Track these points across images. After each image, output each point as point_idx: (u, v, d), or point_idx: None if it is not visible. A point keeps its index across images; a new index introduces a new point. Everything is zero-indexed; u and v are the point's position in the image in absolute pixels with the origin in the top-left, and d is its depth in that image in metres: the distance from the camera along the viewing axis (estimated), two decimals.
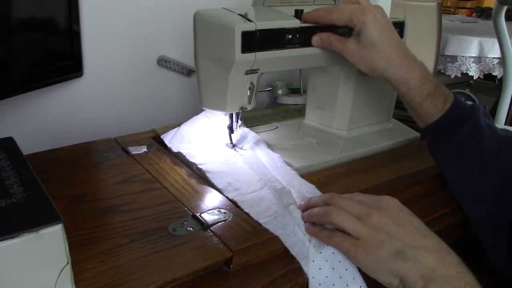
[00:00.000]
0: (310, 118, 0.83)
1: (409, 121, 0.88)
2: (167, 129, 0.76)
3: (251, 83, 0.65)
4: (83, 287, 0.42)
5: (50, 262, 0.38)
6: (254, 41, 0.59)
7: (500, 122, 1.30)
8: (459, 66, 2.33)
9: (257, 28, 0.59)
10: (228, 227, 0.51)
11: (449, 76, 2.34)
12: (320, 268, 0.47)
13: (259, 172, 0.63)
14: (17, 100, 0.75)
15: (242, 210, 0.55)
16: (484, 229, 0.59)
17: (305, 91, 0.92)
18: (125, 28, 0.85)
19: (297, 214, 0.53)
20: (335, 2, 0.73)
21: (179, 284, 0.44)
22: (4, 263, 0.35)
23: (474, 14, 3.32)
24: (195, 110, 0.76)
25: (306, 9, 0.65)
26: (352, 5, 0.62)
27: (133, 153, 0.70)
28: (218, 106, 0.66)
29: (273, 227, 0.51)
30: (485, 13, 3.15)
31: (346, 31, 0.65)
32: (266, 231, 0.51)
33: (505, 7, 1.23)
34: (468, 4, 4.69)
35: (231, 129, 0.70)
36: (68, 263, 0.39)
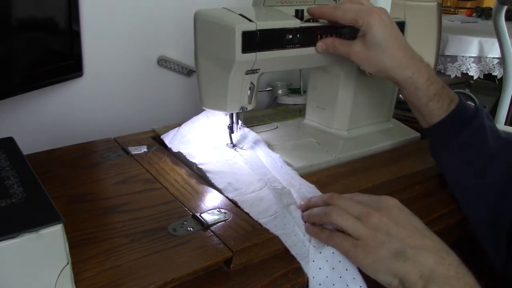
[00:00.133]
0: (310, 118, 0.83)
1: (409, 121, 0.88)
2: (167, 129, 0.76)
3: (251, 83, 0.65)
4: (83, 287, 0.42)
5: (50, 262, 0.38)
6: (254, 41, 0.59)
7: (500, 122, 1.30)
8: (459, 66, 2.33)
9: (258, 28, 0.59)
10: (228, 227, 0.51)
11: (449, 76, 2.34)
12: (320, 268, 0.47)
13: (259, 172, 0.63)
14: (17, 100, 0.75)
15: (242, 210, 0.55)
16: (484, 230, 0.59)
17: (305, 91, 0.92)
18: (125, 28, 0.85)
19: (297, 214, 0.53)
20: (336, 2, 0.73)
21: (179, 284, 0.44)
22: (4, 263, 0.35)
23: (474, 14, 3.32)
24: (195, 110, 0.76)
25: (306, 9, 0.65)
26: (357, 5, 0.62)
27: (133, 153, 0.70)
28: (218, 106, 0.66)
29: (273, 227, 0.51)
30: (485, 13, 3.15)
31: (347, 31, 0.65)
32: (266, 231, 0.51)
33: (505, 7, 1.23)
34: (468, 4, 4.69)
35: (231, 129, 0.70)
36: (68, 263, 0.39)
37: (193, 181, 0.62)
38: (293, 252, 0.49)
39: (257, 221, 0.52)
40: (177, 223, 0.52)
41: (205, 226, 0.51)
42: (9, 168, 0.45)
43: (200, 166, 0.64)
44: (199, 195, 0.59)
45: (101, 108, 0.87)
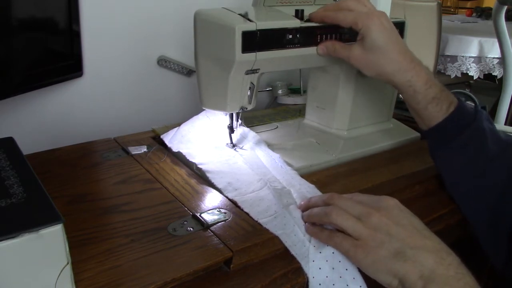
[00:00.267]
0: (310, 118, 0.83)
1: (409, 121, 0.88)
2: (167, 129, 0.76)
3: (251, 83, 0.65)
4: (83, 287, 0.42)
5: (50, 262, 0.38)
6: (254, 41, 0.59)
7: (500, 122, 1.30)
8: (459, 66, 2.33)
9: (258, 28, 0.59)
10: (228, 227, 0.51)
11: (449, 76, 2.34)
12: (320, 268, 0.47)
13: (259, 172, 0.64)
14: (17, 100, 0.75)
15: (242, 210, 0.55)
16: (484, 231, 0.59)
17: (305, 91, 0.92)
18: (125, 28, 0.85)
19: (297, 214, 0.53)
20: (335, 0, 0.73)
21: (179, 284, 0.44)
22: (4, 263, 0.35)
23: (474, 14, 3.32)
24: (195, 110, 0.76)
25: (306, 9, 0.65)
26: (357, 6, 0.62)
27: (133, 153, 0.70)
28: (218, 106, 0.66)
29: (273, 227, 0.51)
30: (485, 13, 3.14)
31: (347, 31, 0.65)
32: (266, 231, 0.51)
33: (505, 7, 1.23)
34: (468, 4, 4.69)
35: (231, 129, 0.70)
36: (68, 263, 0.39)
37: (193, 181, 0.62)
38: (293, 252, 0.49)
39: (257, 221, 0.52)
40: (177, 223, 0.52)
41: (205, 226, 0.51)
42: (9, 168, 0.45)
43: (200, 166, 0.64)
44: (199, 195, 0.59)
45: (101, 108, 0.87)
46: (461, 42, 2.31)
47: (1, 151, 0.49)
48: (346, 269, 0.47)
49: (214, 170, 0.63)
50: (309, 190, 0.59)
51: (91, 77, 0.83)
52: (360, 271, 0.47)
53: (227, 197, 0.58)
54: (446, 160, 0.63)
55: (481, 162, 0.60)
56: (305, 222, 0.52)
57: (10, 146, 0.50)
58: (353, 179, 0.65)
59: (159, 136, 0.75)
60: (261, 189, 0.59)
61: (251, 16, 0.60)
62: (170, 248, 0.47)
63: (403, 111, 0.93)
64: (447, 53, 2.34)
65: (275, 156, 0.67)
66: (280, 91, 1.02)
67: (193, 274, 0.45)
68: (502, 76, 1.51)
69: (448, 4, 4.80)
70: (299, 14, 0.64)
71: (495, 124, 0.65)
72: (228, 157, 0.68)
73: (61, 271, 0.38)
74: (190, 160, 0.66)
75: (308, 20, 0.65)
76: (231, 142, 0.71)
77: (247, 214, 0.54)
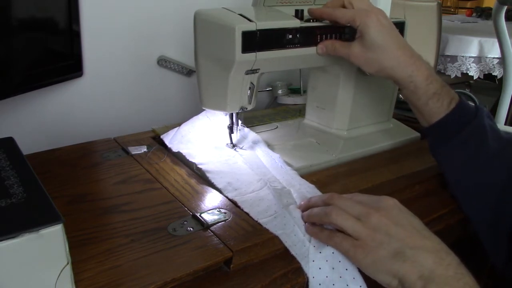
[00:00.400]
0: (310, 118, 0.83)
1: (409, 121, 0.88)
2: (167, 129, 0.76)
3: (251, 83, 0.65)
4: (83, 287, 0.42)
5: (50, 262, 0.38)
6: (254, 41, 0.59)
7: (500, 122, 1.30)
8: (459, 66, 2.33)
9: (258, 28, 0.59)
10: (228, 227, 0.51)
11: (449, 76, 2.34)
12: (320, 268, 0.47)
13: (259, 172, 0.64)
14: (17, 100, 0.75)
15: (242, 210, 0.55)
16: (484, 230, 0.59)
17: (305, 91, 0.92)
18: (125, 28, 0.85)
19: (297, 214, 0.53)
20: None
21: (179, 284, 0.44)
22: (4, 263, 0.35)
23: (474, 14, 3.32)
24: (195, 110, 0.76)
25: (306, 9, 0.65)
26: (356, 4, 0.63)
27: (133, 153, 0.70)
28: (218, 106, 0.66)
29: (273, 227, 0.51)
30: (485, 13, 3.14)
31: (347, 31, 0.65)
32: (266, 231, 0.51)
33: (505, 7, 1.23)
34: (468, 4, 4.69)
35: (231, 129, 0.70)
36: (68, 263, 0.39)
37: (193, 181, 0.62)
38: (293, 252, 0.49)
39: (257, 221, 0.52)
40: (177, 223, 0.52)
41: (205, 226, 0.51)
42: (9, 168, 0.45)
43: (199, 166, 0.64)
44: (199, 195, 0.59)
45: (101, 108, 0.87)
46: (461, 42, 2.31)
47: (1, 151, 0.49)
48: (346, 269, 0.47)
49: (214, 170, 0.63)
50: (309, 190, 0.59)
51: (91, 77, 0.83)
52: (360, 271, 0.47)
53: (227, 197, 0.58)
54: (447, 158, 0.63)
55: (481, 160, 0.60)
56: (305, 222, 0.52)
57: (10, 146, 0.51)
58: (353, 179, 0.65)
59: (159, 136, 0.75)
60: (261, 189, 0.59)
61: (251, 16, 0.60)
62: (170, 248, 0.47)
63: (403, 111, 0.93)
64: (447, 53, 2.34)
65: (275, 156, 0.67)
66: (280, 91, 1.02)
67: (193, 274, 0.45)
68: (502, 76, 1.51)
69: (448, 4, 4.80)
70: (299, 14, 0.64)
71: None
72: (228, 157, 0.68)
73: (61, 271, 0.38)
74: (190, 160, 0.66)
75: (308, 20, 0.65)
76: (231, 142, 0.71)
77: (247, 214, 0.54)
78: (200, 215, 0.53)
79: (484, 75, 2.32)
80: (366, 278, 0.47)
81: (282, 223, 0.52)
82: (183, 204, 0.56)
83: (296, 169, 0.65)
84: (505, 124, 1.32)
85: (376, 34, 0.60)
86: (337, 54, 0.65)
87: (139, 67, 0.89)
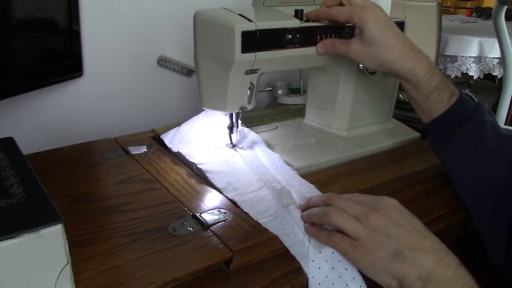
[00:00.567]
0: (310, 118, 0.83)
1: (409, 121, 0.88)
2: (167, 129, 0.76)
3: (251, 83, 0.65)
4: (83, 287, 0.42)
5: (50, 262, 0.38)
6: (254, 41, 0.59)
7: (500, 122, 1.30)
8: (459, 66, 2.33)
9: (257, 28, 0.59)
10: (228, 227, 0.51)
11: (449, 76, 2.34)
12: (319, 268, 0.47)
13: (258, 172, 0.64)
14: (17, 100, 0.75)
15: (242, 210, 0.55)
16: (485, 227, 0.59)
17: (305, 91, 0.92)
18: (125, 28, 0.85)
19: (297, 214, 0.53)
20: None
21: (179, 284, 0.44)
22: (4, 263, 0.35)
23: (474, 14, 3.32)
24: (195, 110, 0.76)
25: (306, 9, 0.65)
26: (352, 0, 0.63)
27: (133, 153, 0.70)
28: (218, 106, 0.66)
29: (273, 227, 0.51)
30: (485, 13, 3.14)
31: (347, 30, 0.65)
32: (266, 231, 0.51)
33: (505, 7, 1.23)
34: (468, 4, 4.69)
35: (231, 129, 0.70)
36: (68, 263, 0.39)
37: (193, 181, 0.62)
38: (292, 252, 0.49)
39: (257, 221, 0.52)
40: (177, 223, 0.52)
41: (205, 226, 0.51)
42: (9, 168, 0.45)
43: (199, 166, 0.64)
44: (199, 195, 0.59)
45: (101, 108, 0.87)
46: (461, 42, 2.30)
47: (1, 151, 0.49)
48: (346, 269, 0.47)
49: (214, 170, 0.63)
50: (309, 190, 0.59)
51: (91, 77, 0.83)
52: (359, 271, 0.47)
53: (227, 197, 0.58)
54: (448, 155, 0.63)
55: (482, 157, 0.60)
56: (304, 222, 0.52)
57: (10, 146, 0.51)
58: (353, 179, 0.65)
59: (159, 136, 0.75)
60: (260, 189, 0.59)
61: (250, 16, 0.60)
62: (170, 248, 0.47)
63: (403, 111, 0.93)
64: (447, 53, 2.34)
65: (275, 156, 0.67)
66: (280, 91, 1.02)
67: (193, 274, 0.45)
68: (502, 76, 1.51)
69: (448, 4, 4.79)
70: (298, 14, 0.64)
71: None
72: (227, 157, 0.68)
73: (61, 271, 0.38)
74: (190, 160, 0.66)
75: (308, 20, 0.65)
76: (231, 142, 0.71)
77: (247, 214, 0.54)
78: (200, 215, 0.53)
79: (484, 75, 2.32)
80: (366, 278, 0.47)
81: (282, 223, 0.52)
82: (183, 204, 0.56)
83: (296, 169, 0.65)
84: (505, 124, 1.32)
85: (374, 29, 0.60)
86: (337, 52, 0.65)
87: (139, 67, 0.89)
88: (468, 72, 2.32)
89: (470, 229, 0.63)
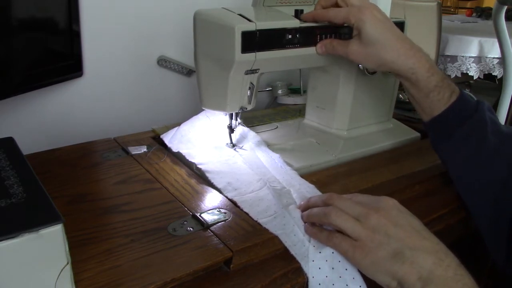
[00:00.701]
0: (310, 118, 0.83)
1: (409, 121, 0.88)
2: (167, 129, 0.76)
3: (251, 83, 0.65)
4: (83, 287, 0.42)
5: (50, 262, 0.38)
6: (254, 41, 0.59)
7: (500, 122, 1.30)
8: (459, 66, 2.32)
9: (257, 28, 0.59)
10: (228, 227, 0.51)
11: (449, 76, 2.34)
12: (319, 268, 0.47)
13: (258, 172, 0.64)
14: (17, 100, 0.75)
15: (242, 210, 0.55)
16: (486, 225, 0.59)
17: (305, 91, 0.92)
18: (125, 28, 0.85)
19: (297, 214, 0.53)
20: None
21: (179, 284, 0.44)
22: (4, 263, 0.35)
23: (474, 14, 3.31)
24: (195, 110, 0.76)
25: (306, 9, 0.65)
26: (349, 1, 0.63)
27: (133, 153, 0.70)
28: (218, 106, 0.66)
29: (273, 227, 0.51)
30: (485, 13, 3.14)
31: (346, 31, 0.65)
32: (266, 231, 0.51)
33: (505, 7, 1.23)
34: (468, 4, 4.69)
35: (231, 129, 0.70)
36: (68, 263, 0.39)
37: (193, 181, 0.62)
38: (292, 252, 0.49)
39: (257, 221, 0.52)
40: (177, 223, 0.52)
41: (205, 226, 0.51)
42: (9, 168, 0.45)
43: (199, 166, 0.64)
44: (199, 195, 0.59)
45: (101, 108, 0.87)
46: (461, 42, 2.30)
47: (1, 151, 0.49)
48: (346, 269, 0.47)
49: (214, 170, 0.63)
50: (309, 190, 0.59)
51: (91, 77, 0.83)
52: (359, 271, 0.47)
53: (227, 197, 0.58)
54: (449, 154, 0.63)
55: (483, 156, 0.59)
56: (304, 222, 0.52)
57: (10, 146, 0.51)
58: (353, 179, 0.65)
59: (159, 136, 0.75)
60: (260, 189, 0.59)
61: (250, 16, 0.60)
62: (170, 248, 0.47)
63: (403, 111, 0.93)
64: (447, 53, 2.34)
65: (275, 156, 0.67)
66: (280, 91, 1.02)
67: (193, 274, 0.45)
68: (502, 76, 1.51)
69: (448, 4, 4.79)
70: (298, 14, 0.64)
71: None
72: (227, 157, 0.68)
73: (61, 271, 0.38)
74: (190, 160, 0.66)
75: (307, 22, 0.65)
76: (231, 142, 0.71)
77: (247, 214, 0.54)
78: (200, 215, 0.53)
79: (484, 75, 2.32)
80: (366, 278, 0.47)
81: (282, 223, 0.52)
82: (183, 204, 0.56)
83: (296, 169, 0.65)
84: (505, 124, 1.32)
85: (372, 29, 0.60)
86: (336, 53, 0.65)
87: (139, 67, 0.89)
88: (468, 72, 2.32)
89: (470, 228, 0.63)
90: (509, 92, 1.29)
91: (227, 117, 0.70)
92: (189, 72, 0.94)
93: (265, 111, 0.94)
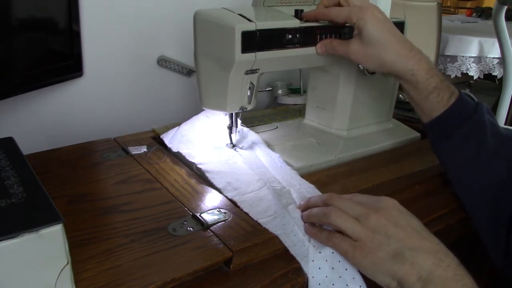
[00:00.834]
0: (310, 118, 0.83)
1: (409, 121, 0.88)
2: (167, 129, 0.76)
3: (251, 83, 0.65)
4: (83, 287, 0.42)
5: (50, 262, 0.38)
6: (254, 41, 0.59)
7: (500, 122, 1.30)
8: (459, 66, 2.32)
9: (257, 28, 0.59)
10: (228, 227, 0.51)
11: (449, 76, 2.34)
12: (319, 268, 0.47)
13: (258, 172, 0.64)
14: (17, 100, 0.75)
15: (242, 210, 0.55)
16: (485, 227, 0.59)
17: (305, 91, 0.92)
18: (125, 28, 0.85)
19: (297, 214, 0.53)
20: None
21: (179, 284, 0.44)
22: (4, 263, 0.35)
23: (474, 14, 3.31)
24: (195, 110, 0.76)
25: (306, 9, 0.65)
26: (351, 1, 0.63)
27: (133, 153, 0.70)
28: (218, 106, 0.66)
29: (273, 227, 0.51)
30: (485, 13, 3.14)
31: (347, 31, 0.65)
32: (266, 231, 0.51)
33: (505, 7, 1.23)
34: (468, 4, 4.69)
35: (231, 129, 0.70)
36: (68, 263, 0.39)
37: (193, 181, 0.62)
38: (292, 252, 0.49)
39: (257, 221, 0.52)
40: (177, 223, 0.52)
41: (205, 226, 0.51)
42: (9, 168, 0.45)
43: (199, 166, 0.64)
44: (199, 195, 0.59)
45: (101, 108, 0.87)
46: (461, 42, 2.30)
47: (1, 151, 0.49)
48: (346, 269, 0.47)
49: (214, 170, 0.63)
50: (309, 190, 0.59)
51: (91, 77, 0.83)
52: (359, 271, 0.47)
53: (226, 197, 0.58)
54: (448, 156, 0.63)
55: (483, 157, 0.60)
56: (304, 222, 0.52)
57: (10, 146, 0.51)
58: (353, 179, 0.65)
59: (159, 136, 0.75)
60: (260, 189, 0.59)
61: (250, 16, 0.60)
62: (170, 248, 0.47)
63: (403, 111, 0.93)
64: (447, 53, 2.34)
65: (275, 156, 0.67)
66: (280, 91, 1.02)
67: (193, 274, 0.45)
68: (502, 76, 1.51)
69: (448, 4, 4.79)
70: (298, 14, 0.64)
71: None
72: (227, 157, 0.68)
73: (61, 271, 0.38)
74: (190, 160, 0.66)
75: (308, 20, 0.65)
76: (231, 142, 0.71)
77: (247, 214, 0.54)
78: (200, 215, 0.53)
79: (484, 75, 2.32)
80: (366, 278, 0.47)
81: (282, 223, 0.52)
82: (183, 204, 0.56)
83: (296, 169, 0.65)
84: (505, 124, 1.32)
85: (373, 29, 0.60)
86: (336, 53, 0.65)
87: (139, 67, 0.89)
88: (468, 72, 2.32)
89: (470, 228, 0.63)
90: (509, 92, 1.29)
91: (227, 117, 0.70)
92: (189, 72, 0.94)
93: (265, 111, 0.94)
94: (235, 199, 0.57)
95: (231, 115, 0.69)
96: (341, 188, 0.62)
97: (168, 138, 0.72)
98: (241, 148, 0.71)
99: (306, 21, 0.64)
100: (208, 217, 0.53)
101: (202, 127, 0.73)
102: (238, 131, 0.71)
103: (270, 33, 0.61)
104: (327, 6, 0.65)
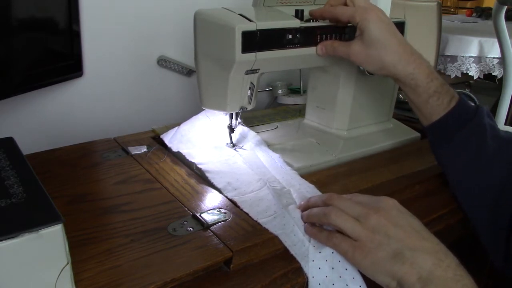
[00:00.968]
0: (310, 118, 0.83)
1: (409, 121, 0.88)
2: (167, 129, 0.76)
3: (251, 83, 0.65)
4: (83, 287, 0.42)
5: (50, 262, 0.38)
6: (254, 41, 0.59)
7: (500, 122, 1.30)
8: (459, 66, 2.33)
9: (258, 28, 0.59)
10: (228, 227, 0.51)
11: (449, 76, 2.34)
12: (319, 268, 0.47)
13: (258, 172, 0.64)
14: (17, 100, 0.75)
15: (242, 210, 0.55)
16: (484, 228, 0.59)
17: (305, 91, 0.92)
18: (125, 28, 0.85)
19: (297, 214, 0.53)
20: None
21: (179, 284, 0.44)
22: (4, 263, 0.35)
23: (474, 14, 3.32)
24: (195, 110, 0.76)
25: (306, 9, 0.65)
26: (356, 1, 0.64)
27: (133, 153, 0.70)
28: (218, 106, 0.66)
29: (273, 227, 0.51)
30: (485, 13, 3.14)
31: (348, 31, 0.65)
32: (266, 231, 0.51)
33: (505, 7, 1.23)
34: (468, 4, 4.69)
35: (231, 129, 0.70)
36: (68, 263, 0.39)
37: (193, 181, 0.62)
38: (292, 252, 0.49)
39: (256, 221, 0.52)
40: (177, 223, 0.52)
41: (205, 226, 0.51)
42: (9, 168, 0.45)
43: (199, 166, 0.64)
44: (199, 195, 0.59)
45: (101, 108, 0.87)
46: (461, 42, 2.30)
47: (1, 151, 0.49)
48: (346, 269, 0.47)
49: (214, 170, 0.63)
50: (309, 190, 0.59)
51: (91, 77, 0.83)
52: (359, 271, 0.47)
53: (226, 197, 0.58)
54: (449, 159, 0.63)
55: (483, 161, 0.60)
56: (304, 222, 0.52)
57: (10, 146, 0.51)
58: (353, 179, 0.65)
59: (159, 136, 0.75)
60: (260, 189, 0.59)
61: (251, 16, 0.60)
62: (170, 248, 0.47)
63: (403, 111, 0.93)
64: (447, 53, 2.34)
65: (275, 156, 0.67)
66: (280, 91, 1.02)
67: (193, 274, 0.45)
68: (502, 76, 1.51)
69: (448, 4, 4.79)
70: (299, 14, 0.64)
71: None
72: (227, 157, 0.68)
73: (61, 271, 0.38)
74: (190, 160, 0.66)
75: (308, 20, 0.65)
76: (231, 142, 0.71)
77: (247, 214, 0.54)
78: (200, 215, 0.53)
79: (484, 75, 2.32)
80: (366, 278, 0.47)
81: (282, 223, 0.52)
82: (183, 204, 0.56)
83: (296, 169, 0.65)
84: (505, 124, 1.32)
85: (376, 29, 0.61)
86: (337, 54, 0.65)
87: (139, 67, 0.89)
88: (468, 72, 2.32)
89: (470, 229, 0.63)
90: (509, 92, 1.29)
91: (227, 117, 0.70)
92: (189, 72, 0.94)
93: (265, 111, 0.94)
94: (235, 199, 0.57)
95: (231, 115, 0.69)
96: (341, 188, 0.62)
97: (168, 138, 0.72)
98: (241, 148, 0.71)
99: (308, 20, 0.65)
100: (208, 217, 0.53)
101: (202, 127, 0.73)
102: (238, 131, 0.71)
103: (271, 33, 0.61)
104: (333, 5, 0.65)
